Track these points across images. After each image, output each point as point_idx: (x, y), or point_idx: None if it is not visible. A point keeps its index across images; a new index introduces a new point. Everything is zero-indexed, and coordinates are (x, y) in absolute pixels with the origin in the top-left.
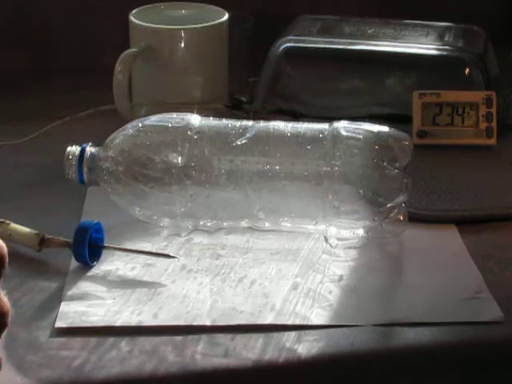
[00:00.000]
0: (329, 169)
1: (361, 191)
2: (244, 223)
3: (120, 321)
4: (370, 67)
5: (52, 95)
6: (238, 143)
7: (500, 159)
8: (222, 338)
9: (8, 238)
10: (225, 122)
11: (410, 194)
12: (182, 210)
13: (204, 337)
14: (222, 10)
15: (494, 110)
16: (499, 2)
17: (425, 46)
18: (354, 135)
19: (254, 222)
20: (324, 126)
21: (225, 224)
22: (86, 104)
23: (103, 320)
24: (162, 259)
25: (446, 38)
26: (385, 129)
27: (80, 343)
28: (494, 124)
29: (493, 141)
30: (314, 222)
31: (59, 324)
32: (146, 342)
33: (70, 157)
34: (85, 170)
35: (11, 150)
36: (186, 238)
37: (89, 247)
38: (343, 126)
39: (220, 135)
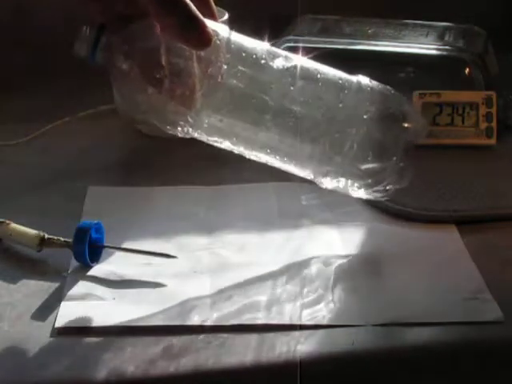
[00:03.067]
0: (341, 112)
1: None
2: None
3: (120, 321)
4: (370, 67)
5: (52, 95)
6: (264, 54)
7: (500, 159)
8: (222, 337)
9: (8, 238)
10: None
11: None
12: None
13: (204, 337)
14: (221, 10)
15: (493, 110)
16: (499, 1)
17: (425, 46)
18: (372, 85)
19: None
20: (350, 79)
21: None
22: (86, 104)
23: (103, 320)
24: (161, 259)
25: (446, 38)
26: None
27: (80, 343)
28: (494, 124)
29: (493, 141)
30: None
31: (59, 324)
32: (146, 341)
33: (87, 30)
34: (100, 47)
35: (11, 150)
36: (187, 238)
37: (89, 247)
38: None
39: (247, 49)
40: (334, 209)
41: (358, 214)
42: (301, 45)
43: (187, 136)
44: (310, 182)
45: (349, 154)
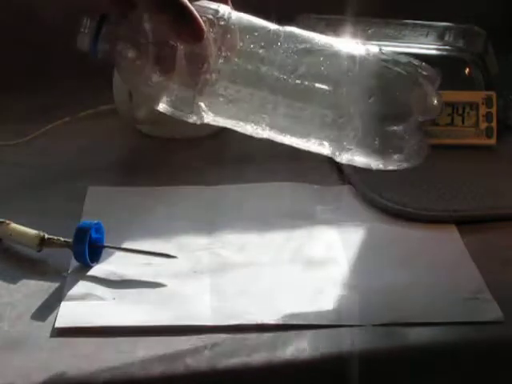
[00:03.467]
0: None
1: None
2: (259, 126)
3: (120, 321)
4: None
5: (52, 95)
6: (271, 28)
7: (500, 159)
8: (221, 337)
9: (8, 238)
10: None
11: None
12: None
13: (204, 337)
14: None
15: (493, 110)
16: (499, 1)
17: (425, 46)
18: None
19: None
20: (360, 49)
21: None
22: (86, 104)
23: (103, 320)
24: (162, 259)
25: (446, 38)
26: None
27: (80, 343)
28: (494, 124)
29: (493, 141)
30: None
31: (59, 324)
32: (146, 341)
33: (88, 22)
34: (102, 39)
35: (11, 150)
36: (187, 238)
37: (89, 247)
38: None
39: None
40: (334, 209)
41: (357, 214)
42: None
43: (198, 121)
44: (310, 181)
45: (364, 120)
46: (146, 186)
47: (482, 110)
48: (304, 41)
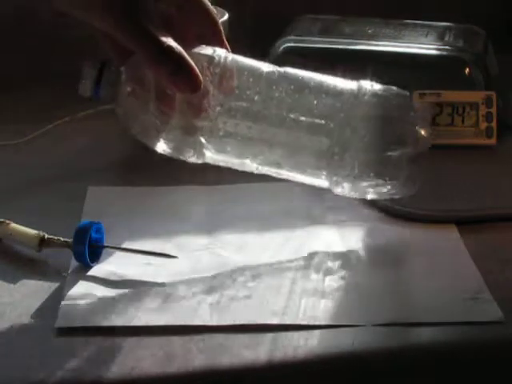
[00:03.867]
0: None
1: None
2: (257, 161)
3: (120, 321)
4: (370, 67)
5: (52, 95)
6: (265, 70)
7: (500, 159)
8: (222, 337)
9: (8, 238)
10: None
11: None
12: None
13: (204, 336)
14: (221, 10)
15: (493, 110)
16: (499, 1)
17: (425, 46)
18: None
19: (267, 158)
20: (351, 84)
21: (228, 158)
22: (86, 104)
23: (103, 320)
24: (162, 259)
25: (446, 38)
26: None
27: (80, 343)
28: (494, 124)
29: (493, 141)
30: (321, 173)
31: (59, 324)
32: (146, 342)
33: (89, 68)
34: (104, 85)
35: (11, 150)
36: (187, 238)
37: (89, 247)
38: (369, 86)
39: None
40: (334, 209)
41: (357, 214)
42: (301, 45)
43: (198, 160)
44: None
45: (357, 155)
46: (145, 186)
47: (482, 110)
48: (298, 80)
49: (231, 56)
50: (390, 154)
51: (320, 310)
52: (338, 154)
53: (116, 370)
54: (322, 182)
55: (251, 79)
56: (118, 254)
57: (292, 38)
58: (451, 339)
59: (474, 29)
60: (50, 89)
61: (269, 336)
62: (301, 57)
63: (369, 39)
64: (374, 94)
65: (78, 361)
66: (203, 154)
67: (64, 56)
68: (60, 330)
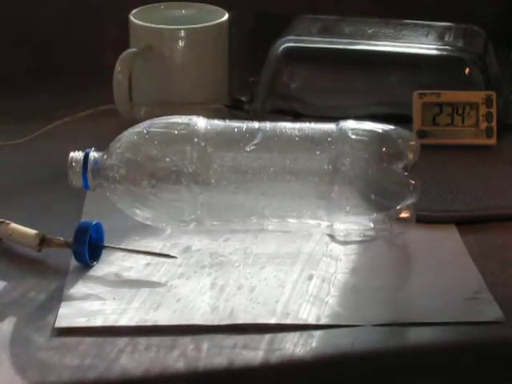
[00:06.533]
0: (338, 175)
1: (372, 196)
2: (250, 222)
3: (120, 321)
4: (370, 67)
5: (52, 95)
6: (247, 149)
7: (500, 159)
8: (222, 338)
9: (8, 237)
10: (230, 124)
11: (419, 195)
12: (192, 217)
13: (204, 337)
14: (221, 10)
15: (493, 110)
16: (499, 1)
17: (425, 46)
18: (362, 138)
19: (259, 220)
20: (331, 126)
21: (231, 225)
22: (86, 104)
23: (103, 320)
24: (162, 259)
25: (446, 38)
26: (391, 128)
27: (80, 343)
28: (493, 124)
29: (493, 141)
30: (319, 222)
31: (59, 324)
32: (146, 342)
33: (74, 164)
34: (89, 176)
35: (11, 150)
36: (187, 238)
37: (89, 247)
38: (351, 128)
39: (228, 142)
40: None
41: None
42: (301, 45)
43: (196, 228)
44: None
45: (353, 193)
46: None
47: (482, 110)
48: (280, 138)
49: (209, 125)
50: (385, 195)
51: (320, 310)
52: (334, 199)
53: (116, 370)
54: (321, 225)
55: (230, 151)
56: (118, 254)
57: (292, 37)
58: (451, 339)
59: (474, 29)
60: (49, 89)
61: (269, 336)
62: (301, 57)
63: (369, 39)
64: (355, 133)
65: (78, 361)
66: (202, 222)
67: (64, 56)
68: (60, 330)
